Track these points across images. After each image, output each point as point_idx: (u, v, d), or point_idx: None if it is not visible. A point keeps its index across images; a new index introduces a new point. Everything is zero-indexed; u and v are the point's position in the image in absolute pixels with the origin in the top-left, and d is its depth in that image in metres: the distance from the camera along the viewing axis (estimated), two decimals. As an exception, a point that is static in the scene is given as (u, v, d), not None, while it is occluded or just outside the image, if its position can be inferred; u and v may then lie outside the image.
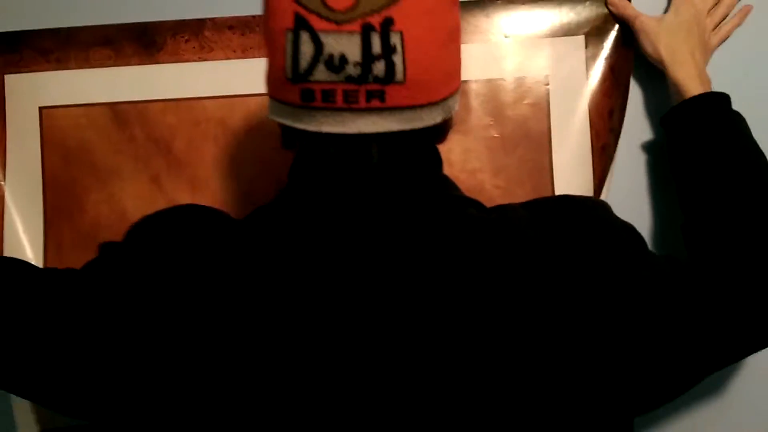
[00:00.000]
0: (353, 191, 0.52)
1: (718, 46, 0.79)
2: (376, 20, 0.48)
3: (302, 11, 0.49)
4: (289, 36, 0.50)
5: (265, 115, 0.79)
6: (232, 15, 0.81)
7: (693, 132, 0.70)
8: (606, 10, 0.79)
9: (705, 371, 0.59)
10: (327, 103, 0.50)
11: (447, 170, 0.58)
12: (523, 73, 0.80)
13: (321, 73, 0.49)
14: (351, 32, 0.48)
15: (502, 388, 0.48)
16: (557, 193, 0.79)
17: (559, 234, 0.53)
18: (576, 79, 0.79)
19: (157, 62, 0.81)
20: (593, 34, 0.79)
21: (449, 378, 0.48)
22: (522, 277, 0.50)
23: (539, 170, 0.79)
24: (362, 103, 0.49)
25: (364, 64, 0.48)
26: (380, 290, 0.49)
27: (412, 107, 0.51)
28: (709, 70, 0.76)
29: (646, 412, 0.58)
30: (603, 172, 0.79)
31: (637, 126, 0.82)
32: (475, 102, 0.79)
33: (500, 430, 0.48)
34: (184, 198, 0.81)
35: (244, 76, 0.81)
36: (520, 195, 0.79)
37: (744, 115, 0.71)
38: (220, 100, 0.81)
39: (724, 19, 0.79)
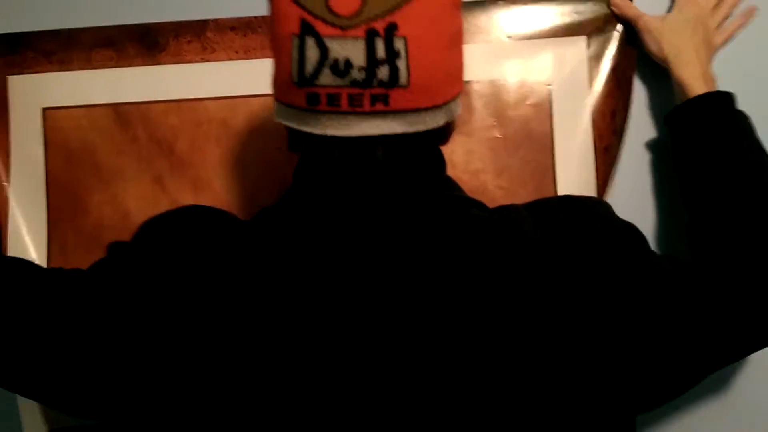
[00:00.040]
0: (358, 192, 0.53)
1: (723, 45, 0.78)
2: (380, 25, 0.49)
3: (308, 17, 0.49)
4: (295, 41, 0.51)
5: (267, 116, 0.81)
6: (234, 16, 0.81)
7: (697, 131, 0.70)
8: (608, 11, 0.80)
9: (706, 370, 0.59)
10: (332, 107, 0.50)
11: (450, 171, 0.59)
12: (526, 73, 0.80)
13: (326, 77, 0.50)
14: (356, 37, 0.49)
15: (505, 387, 0.48)
16: (560, 194, 0.79)
17: (561, 234, 0.53)
18: (578, 80, 0.80)
19: (160, 63, 0.82)
20: (595, 34, 0.80)
21: (453, 378, 0.48)
22: (524, 277, 0.50)
23: (542, 171, 0.80)
24: (366, 107, 0.50)
25: (368, 69, 0.49)
26: (384, 291, 0.50)
27: (415, 110, 0.52)
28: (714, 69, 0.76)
29: (649, 410, 0.58)
30: (606, 172, 0.79)
31: (641, 126, 0.82)
32: (477, 103, 0.79)
33: (503, 429, 0.49)
34: (187, 199, 0.82)
35: (246, 77, 0.81)
36: (523, 195, 0.79)
37: (749, 113, 0.71)
38: (223, 100, 0.82)
39: (727, 18, 0.78)
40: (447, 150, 0.59)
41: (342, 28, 0.49)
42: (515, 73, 0.80)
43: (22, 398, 0.74)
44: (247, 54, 0.81)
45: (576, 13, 0.80)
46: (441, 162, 0.58)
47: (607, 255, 0.53)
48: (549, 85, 0.80)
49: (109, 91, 0.82)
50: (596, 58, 0.80)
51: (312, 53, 0.50)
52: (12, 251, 0.81)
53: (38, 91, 0.83)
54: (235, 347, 0.49)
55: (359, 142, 0.52)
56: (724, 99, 0.71)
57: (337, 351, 0.49)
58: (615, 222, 0.58)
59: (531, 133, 0.80)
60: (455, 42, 0.56)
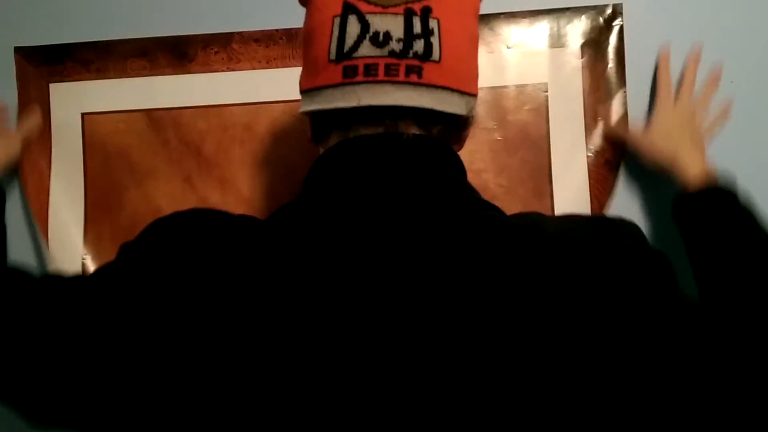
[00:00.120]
0: (381, 180, 0.52)
1: (713, 135, 0.79)
2: (417, 7, 0.52)
3: (350, 0, 0.52)
4: (337, 20, 0.53)
5: (288, 120, 0.84)
6: (258, 29, 0.83)
7: (707, 228, 0.66)
8: (600, 23, 0.82)
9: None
10: (369, 77, 0.52)
11: (454, 170, 0.57)
12: (524, 81, 0.82)
13: (366, 48, 0.52)
14: (395, 14, 0.52)
15: (508, 393, 0.45)
16: (555, 191, 0.81)
17: (584, 250, 0.49)
18: (573, 87, 0.82)
19: (189, 72, 0.84)
20: (589, 44, 0.82)
21: (461, 380, 0.45)
22: (540, 284, 0.47)
23: (539, 170, 0.82)
24: (402, 77, 0.52)
25: (406, 41, 0.51)
26: (398, 289, 0.47)
27: (445, 88, 0.53)
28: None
29: None
30: (598, 173, 0.81)
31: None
32: (479, 108, 0.78)
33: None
34: (214, 196, 0.84)
35: (268, 85, 0.83)
36: (521, 193, 0.82)
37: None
38: (247, 106, 0.84)
39: (708, 105, 0.79)
40: (451, 151, 0.57)
41: (383, 6, 0.52)
42: (514, 80, 0.82)
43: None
44: (269, 63, 0.83)
45: (571, 24, 0.82)
46: (461, 164, 0.57)
47: (628, 277, 0.49)
48: (546, 91, 0.82)
49: (143, 98, 0.85)
50: (589, 67, 0.82)
51: (353, 28, 0.52)
52: (53, 244, 0.84)
53: (78, 98, 0.85)
54: (244, 346, 0.46)
55: (390, 114, 0.52)
56: (729, 193, 0.67)
57: (349, 347, 0.46)
58: (645, 251, 0.52)
59: (529, 135, 0.82)
60: (474, 43, 0.58)
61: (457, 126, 0.57)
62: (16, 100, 0.86)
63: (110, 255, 0.81)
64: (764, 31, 0.84)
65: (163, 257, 0.51)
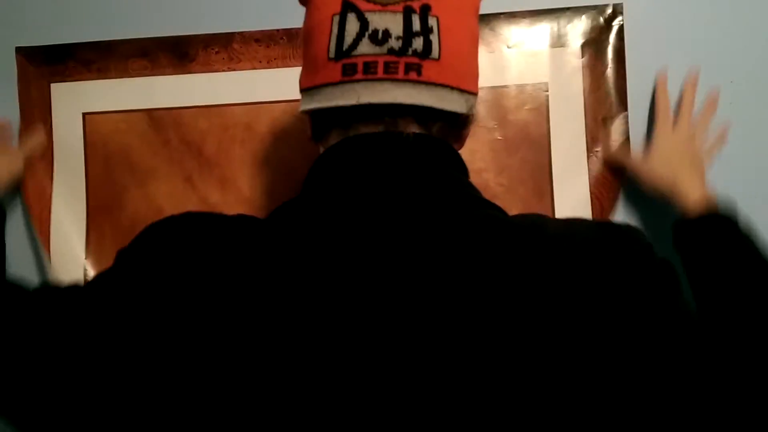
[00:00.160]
0: (381, 178, 0.51)
1: (712, 158, 0.78)
2: (416, 5, 0.52)
3: None
4: (336, 18, 0.52)
5: (288, 120, 0.84)
6: (259, 29, 0.84)
7: (707, 253, 0.65)
8: (600, 23, 0.82)
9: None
10: (368, 75, 0.51)
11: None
12: (525, 80, 0.83)
13: (365, 46, 0.52)
14: (394, 12, 0.52)
15: (504, 394, 0.45)
16: (555, 191, 0.81)
17: (588, 254, 0.48)
18: (573, 87, 0.82)
19: (190, 72, 0.84)
20: (589, 44, 0.82)
21: (456, 380, 0.45)
22: (542, 287, 0.46)
23: (539, 170, 0.82)
24: (401, 74, 0.51)
25: (405, 38, 0.51)
26: (397, 289, 0.46)
27: (444, 86, 0.53)
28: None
29: None
30: (598, 173, 0.81)
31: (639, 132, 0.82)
32: (480, 108, 0.80)
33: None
34: (215, 196, 0.84)
35: (269, 85, 0.84)
36: (522, 193, 0.82)
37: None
38: (247, 106, 0.84)
39: (707, 128, 0.78)
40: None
41: (382, 4, 0.52)
42: (515, 80, 0.82)
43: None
44: (269, 63, 0.84)
45: (571, 24, 0.82)
46: (463, 164, 0.56)
47: (631, 284, 0.48)
48: (546, 91, 0.82)
49: (144, 98, 0.85)
50: (589, 67, 0.82)
51: (352, 26, 0.52)
52: (55, 244, 0.84)
53: (79, 98, 0.86)
54: (243, 347, 0.46)
55: (390, 112, 0.52)
56: (729, 220, 0.67)
57: (349, 347, 0.45)
58: (650, 256, 0.51)
59: (529, 135, 0.82)
60: (474, 42, 0.58)
61: (457, 124, 0.57)
62: (17, 100, 0.87)
63: (111, 255, 0.81)
64: (764, 29, 0.84)
65: (160, 263, 0.50)
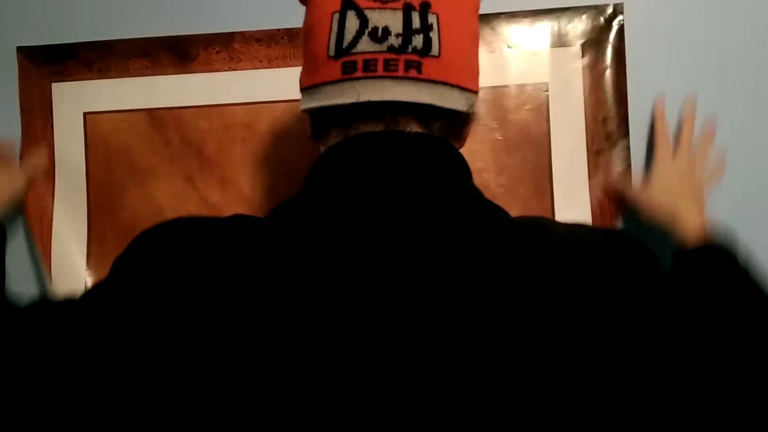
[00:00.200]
0: (380, 177, 0.51)
1: (711, 186, 0.78)
2: (416, 2, 0.52)
3: None
4: (336, 16, 0.52)
5: (288, 120, 0.84)
6: (259, 29, 0.84)
7: (702, 288, 0.65)
8: (601, 23, 0.82)
9: None
10: (368, 72, 0.51)
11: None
12: (525, 80, 0.82)
13: (365, 44, 0.51)
14: (394, 9, 0.52)
15: (502, 395, 0.44)
16: (555, 190, 0.81)
17: (593, 259, 0.48)
18: (573, 87, 0.82)
19: (191, 72, 0.85)
20: (589, 44, 0.82)
21: (454, 381, 0.44)
22: (543, 289, 0.45)
23: (539, 170, 0.82)
24: (401, 72, 0.51)
25: (404, 36, 0.51)
26: (398, 286, 0.46)
27: (444, 84, 0.53)
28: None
29: None
30: (598, 173, 0.81)
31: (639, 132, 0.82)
32: (480, 107, 0.79)
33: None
34: (215, 195, 0.84)
35: (270, 85, 0.84)
36: (522, 193, 0.82)
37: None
38: (248, 106, 0.84)
39: (707, 157, 0.79)
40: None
41: (382, 1, 0.52)
42: (515, 79, 0.82)
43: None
44: (270, 63, 0.84)
45: (571, 24, 0.82)
46: (465, 164, 0.56)
47: (636, 296, 0.47)
48: (546, 91, 0.82)
49: (145, 97, 0.85)
50: (589, 67, 0.82)
51: (352, 24, 0.51)
52: (56, 244, 0.85)
53: (80, 97, 0.86)
54: (244, 350, 0.45)
55: (390, 110, 0.51)
56: (727, 251, 0.66)
57: (348, 348, 0.44)
58: (656, 270, 0.50)
59: (529, 135, 0.82)
60: (474, 40, 0.57)
61: (458, 122, 0.56)
62: (18, 100, 0.87)
63: (112, 255, 0.82)
64: (764, 29, 0.84)
65: (156, 271, 0.49)
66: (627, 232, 0.53)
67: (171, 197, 0.85)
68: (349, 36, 0.52)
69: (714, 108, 0.83)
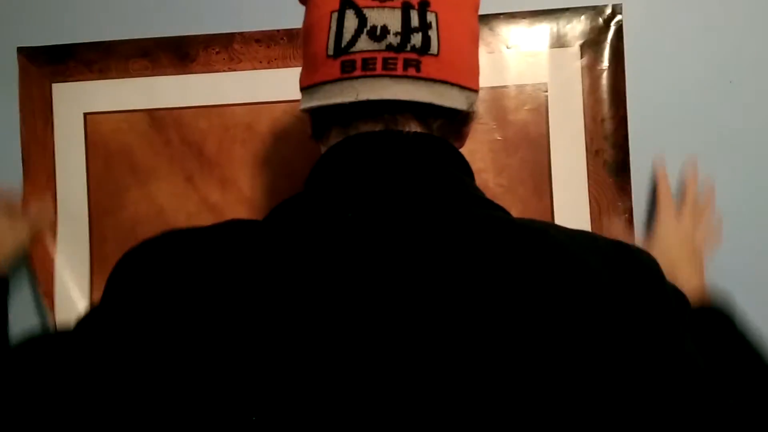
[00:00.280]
0: (380, 176, 0.50)
1: (710, 251, 0.78)
2: (414, 0, 0.52)
3: None
4: (335, 15, 0.52)
5: (288, 120, 0.85)
6: (259, 29, 0.84)
7: (700, 343, 0.62)
8: (599, 23, 0.82)
9: None
10: (367, 71, 0.51)
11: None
12: (524, 81, 0.83)
13: (363, 42, 0.51)
14: (393, 8, 0.52)
15: (501, 398, 0.43)
16: (555, 191, 0.82)
17: (597, 266, 0.46)
18: (572, 87, 0.82)
19: (191, 72, 0.85)
20: (588, 45, 0.82)
21: (453, 383, 0.43)
22: (545, 292, 0.44)
23: (539, 170, 0.82)
24: (399, 70, 0.51)
25: (403, 34, 0.51)
26: (399, 287, 0.45)
27: (443, 82, 0.53)
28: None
29: None
30: (596, 173, 0.82)
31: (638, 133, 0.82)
32: (479, 108, 0.76)
33: None
34: (215, 195, 0.85)
35: (269, 85, 0.84)
36: (521, 193, 0.82)
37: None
38: (248, 106, 0.84)
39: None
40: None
41: (380, 0, 0.52)
42: (514, 80, 0.83)
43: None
44: (270, 64, 0.84)
45: (570, 25, 0.82)
46: (467, 164, 0.55)
47: (640, 309, 0.46)
48: (545, 91, 0.82)
49: (145, 98, 0.85)
50: (588, 67, 0.82)
51: (350, 23, 0.51)
52: (61, 243, 0.86)
53: (80, 98, 0.86)
54: (245, 354, 0.44)
55: (389, 109, 0.51)
56: (724, 314, 0.66)
57: (348, 349, 0.44)
58: (662, 284, 0.49)
59: (528, 135, 0.82)
60: (474, 39, 0.57)
61: (458, 121, 0.56)
62: (19, 101, 0.87)
63: (113, 256, 0.82)
64: (764, 28, 0.84)
65: (149, 290, 0.47)
66: (636, 247, 0.52)
67: (171, 197, 0.86)
68: (347, 35, 0.52)
69: (714, 108, 0.83)
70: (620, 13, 0.83)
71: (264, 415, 0.43)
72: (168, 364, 0.45)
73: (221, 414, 0.44)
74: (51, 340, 0.54)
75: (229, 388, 0.44)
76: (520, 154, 0.83)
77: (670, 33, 0.84)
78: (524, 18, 0.84)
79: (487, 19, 0.83)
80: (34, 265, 0.86)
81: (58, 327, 0.83)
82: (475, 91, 0.57)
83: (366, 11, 0.52)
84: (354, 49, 0.52)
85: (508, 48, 0.84)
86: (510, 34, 0.84)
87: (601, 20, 0.83)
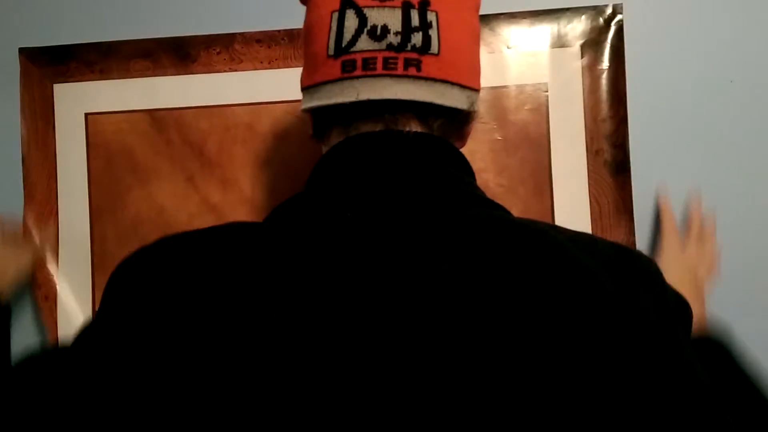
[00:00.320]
0: (381, 176, 0.50)
1: (711, 280, 0.79)
2: (415, 0, 0.52)
3: None
4: (335, 15, 0.52)
5: (289, 120, 0.85)
6: (260, 30, 0.84)
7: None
8: (600, 23, 0.82)
9: None
10: (367, 71, 0.51)
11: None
12: (524, 81, 0.83)
13: (364, 42, 0.51)
14: (393, 7, 0.51)
15: (500, 399, 0.42)
16: (555, 191, 0.82)
17: (599, 268, 0.46)
18: (572, 87, 0.82)
19: (192, 73, 0.85)
20: (588, 45, 0.82)
21: (452, 384, 0.42)
22: (546, 293, 0.44)
23: (539, 170, 0.82)
24: (400, 70, 0.51)
25: (403, 34, 0.51)
26: (400, 288, 0.44)
27: (444, 81, 0.52)
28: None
29: None
30: (596, 173, 0.82)
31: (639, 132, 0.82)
32: (480, 108, 0.76)
33: None
34: (216, 196, 0.85)
35: (270, 85, 0.84)
36: (522, 193, 0.82)
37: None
38: (248, 106, 0.85)
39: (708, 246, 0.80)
40: (451, 151, 0.58)
41: (381, 0, 0.52)
42: (515, 80, 0.83)
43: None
44: (270, 64, 0.84)
45: (571, 25, 0.83)
46: (467, 165, 0.55)
47: (641, 315, 0.45)
48: (545, 91, 0.82)
49: (146, 98, 0.85)
50: (588, 67, 0.82)
51: (351, 23, 0.51)
52: (62, 242, 0.86)
53: (81, 98, 0.86)
54: (242, 357, 0.43)
55: (389, 108, 0.51)
56: (722, 346, 0.66)
57: (348, 351, 0.43)
58: (663, 290, 0.49)
59: (529, 135, 0.82)
60: (475, 38, 0.57)
61: (459, 120, 0.56)
62: (20, 101, 0.87)
63: (114, 256, 0.83)
64: (764, 28, 0.84)
65: (147, 300, 0.46)
66: (638, 252, 0.52)
67: (172, 197, 0.86)
68: (348, 35, 0.52)
69: (714, 108, 0.83)
70: (621, 13, 0.83)
71: (268, 419, 0.43)
72: (171, 370, 0.44)
73: (226, 419, 0.43)
74: (50, 355, 0.53)
75: (231, 390, 0.43)
76: (521, 154, 0.83)
77: (670, 33, 0.84)
78: (525, 18, 0.84)
79: (488, 19, 0.83)
80: (36, 284, 0.86)
81: (60, 340, 0.84)
82: (477, 90, 0.57)
83: (366, 11, 0.52)
84: (354, 48, 0.52)
85: (508, 48, 0.84)
86: (510, 34, 0.84)
87: (601, 20, 0.83)
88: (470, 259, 0.45)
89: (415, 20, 0.52)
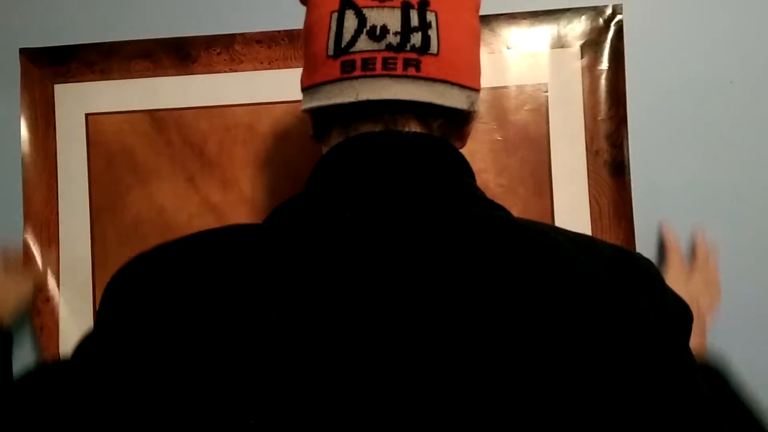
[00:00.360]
0: (381, 177, 0.50)
1: (713, 312, 0.79)
2: (414, 0, 0.52)
3: None
4: (335, 16, 0.52)
5: (289, 121, 0.85)
6: (260, 30, 0.84)
7: None
8: (600, 23, 0.82)
9: None
10: (366, 71, 0.51)
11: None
12: (524, 81, 0.83)
13: (363, 42, 0.51)
14: (392, 7, 0.51)
15: (500, 400, 0.42)
16: (555, 191, 0.82)
17: (600, 269, 0.46)
18: (572, 87, 0.82)
19: (192, 73, 0.85)
20: (588, 45, 0.82)
21: (452, 384, 0.42)
22: (546, 293, 0.43)
23: (539, 170, 0.82)
24: (399, 70, 0.51)
25: (403, 34, 0.51)
26: (400, 289, 0.44)
27: (444, 81, 0.52)
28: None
29: None
30: (596, 173, 0.82)
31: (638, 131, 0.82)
32: (480, 108, 0.76)
33: None
34: (216, 196, 0.85)
35: (270, 86, 0.84)
36: (522, 193, 0.82)
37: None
38: (249, 107, 0.85)
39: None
40: (451, 152, 0.58)
41: (380, 0, 0.52)
42: (515, 80, 0.83)
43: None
44: (270, 65, 0.84)
45: (570, 25, 0.83)
46: (467, 165, 0.55)
47: (641, 318, 0.45)
48: (545, 92, 0.83)
49: (146, 99, 0.86)
50: (588, 68, 0.82)
51: (350, 23, 0.51)
52: (63, 243, 0.86)
53: (82, 99, 0.87)
54: (244, 357, 0.43)
55: (389, 109, 0.51)
56: (719, 374, 0.66)
57: (348, 351, 0.43)
58: (663, 294, 0.48)
59: (529, 135, 0.83)
60: (475, 38, 0.57)
61: (458, 120, 0.56)
62: (21, 101, 0.88)
63: (115, 256, 0.83)
64: (764, 29, 0.84)
65: (146, 307, 0.46)
66: (639, 254, 0.52)
67: (172, 197, 0.86)
68: (347, 35, 0.52)
69: (714, 108, 0.83)
70: (620, 13, 0.83)
71: (268, 422, 0.42)
72: (173, 377, 0.44)
73: (228, 426, 0.43)
74: (51, 369, 0.53)
75: (232, 393, 0.43)
76: (521, 154, 0.83)
77: (670, 33, 0.84)
78: (525, 18, 0.84)
79: (488, 19, 0.83)
80: (35, 309, 0.87)
81: (61, 338, 0.85)
82: (477, 90, 0.57)
83: (365, 11, 0.52)
84: (354, 49, 0.52)
85: (508, 48, 0.84)
86: (510, 34, 0.84)
87: (601, 20, 0.83)
88: (470, 260, 0.45)
89: (415, 20, 0.52)
